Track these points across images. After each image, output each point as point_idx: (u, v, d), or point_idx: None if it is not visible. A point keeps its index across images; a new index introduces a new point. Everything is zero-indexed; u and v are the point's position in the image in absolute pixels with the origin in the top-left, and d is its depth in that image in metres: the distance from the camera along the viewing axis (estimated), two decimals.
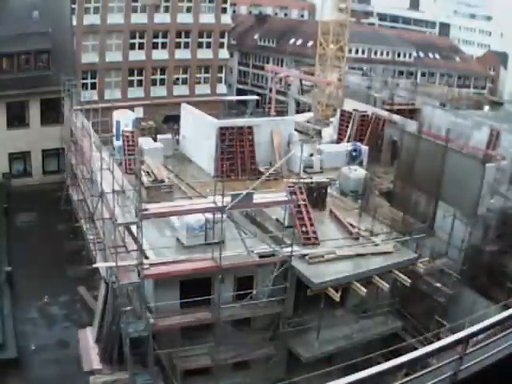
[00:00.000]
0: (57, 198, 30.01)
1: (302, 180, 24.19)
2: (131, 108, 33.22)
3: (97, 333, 19.55)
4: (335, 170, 27.55)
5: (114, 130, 28.83)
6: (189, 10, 46.81)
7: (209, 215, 19.56)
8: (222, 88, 50.37)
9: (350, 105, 35.14)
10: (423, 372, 6.06)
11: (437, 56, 71.48)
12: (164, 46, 46.43)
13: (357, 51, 63.58)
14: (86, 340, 19.55)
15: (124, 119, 28.97)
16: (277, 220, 21.71)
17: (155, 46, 46.01)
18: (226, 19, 49.38)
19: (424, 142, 24.49)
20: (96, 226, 22.23)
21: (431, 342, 5.88)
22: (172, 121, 34.25)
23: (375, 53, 65.89)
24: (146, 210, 17.43)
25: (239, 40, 68.47)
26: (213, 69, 49.17)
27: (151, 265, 18.16)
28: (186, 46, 47.49)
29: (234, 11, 66.86)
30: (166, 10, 45.76)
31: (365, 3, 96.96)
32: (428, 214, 23.24)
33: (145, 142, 28.12)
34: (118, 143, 28.56)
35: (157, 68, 46.58)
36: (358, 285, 19.80)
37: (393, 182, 26.51)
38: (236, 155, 28.01)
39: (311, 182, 24.65)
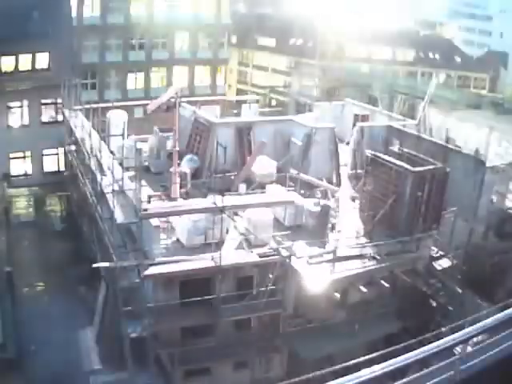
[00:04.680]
0: (57, 197, 30.06)
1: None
2: (131, 108, 33.09)
3: (97, 333, 19.55)
4: None
5: (106, 130, 28.77)
6: (189, 9, 46.81)
7: (209, 215, 19.57)
8: (221, 88, 50.41)
9: (349, 104, 35.12)
10: (423, 372, 6.07)
11: (437, 56, 71.48)
12: (164, 45, 46.45)
13: (357, 51, 63.56)
14: (86, 340, 19.54)
15: (115, 119, 28.87)
16: (277, 220, 21.70)
17: (155, 45, 46.02)
18: (226, 19, 49.40)
19: (424, 142, 24.51)
20: (96, 226, 22.22)
21: (431, 342, 5.88)
22: None
23: (375, 53, 65.81)
24: (146, 210, 17.46)
25: (239, 40, 68.46)
26: (213, 69, 49.21)
27: (151, 265, 18.18)
28: (186, 46, 47.51)
29: (234, 11, 66.77)
30: (166, 9, 45.76)
31: None
32: None
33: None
34: (117, 143, 28.47)
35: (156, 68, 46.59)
36: (358, 285, 19.81)
37: None
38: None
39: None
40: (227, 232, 20.42)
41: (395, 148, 25.80)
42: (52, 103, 33.10)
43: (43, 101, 33.03)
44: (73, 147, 28.46)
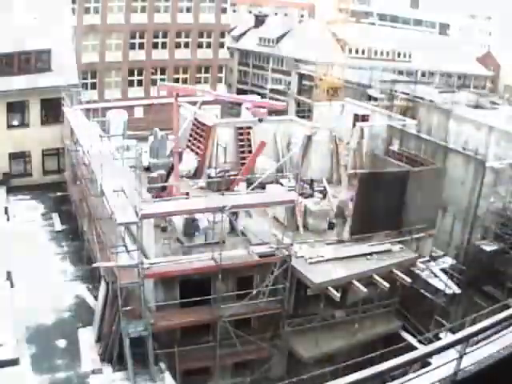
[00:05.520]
0: (57, 197, 30.06)
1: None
2: (131, 108, 33.13)
3: (97, 333, 19.54)
4: None
5: (106, 130, 28.80)
6: (189, 10, 46.84)
7: (209, 215, 19.58)
8: (222, 88, 50.41)
9: (350, 104, 35.11)
10: (423, 372, 6.06)
11: None
12: (164, 45, 46.46)
13: (357, 51, 63.46)
14: (85, 340, 19.52)
15: (115, 119, 28.85)
16: (276, 220, 21.72)
17: (155, 45, 46.04)
18: (226, 19, 49.43)
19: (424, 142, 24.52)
20: (96, 226, 22.21)
21: (431, 342, 5.89)
22: None
23: (375, 52, 65.70)
24: (146, 209, 17.45)
25: (239, 40, 68.55)
26: (213, 69, 49.22)
27: (151, 264, 18.18)
28: (186, 45, 47.53)
29: (234, 11, 66.79)
30: (166, 10, 45.79)
31: (365, 4, 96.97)
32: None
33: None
34: (117, 143, 28.49)
35: (157, 68, 46.58)
36: (358, 284, 19.82)
37: None
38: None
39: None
40: (227, 231, 20.44)
41: (395, 148, 25.85)
42: (52, 103, 33.02)
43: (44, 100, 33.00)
44: (73, 147, 28.45)
